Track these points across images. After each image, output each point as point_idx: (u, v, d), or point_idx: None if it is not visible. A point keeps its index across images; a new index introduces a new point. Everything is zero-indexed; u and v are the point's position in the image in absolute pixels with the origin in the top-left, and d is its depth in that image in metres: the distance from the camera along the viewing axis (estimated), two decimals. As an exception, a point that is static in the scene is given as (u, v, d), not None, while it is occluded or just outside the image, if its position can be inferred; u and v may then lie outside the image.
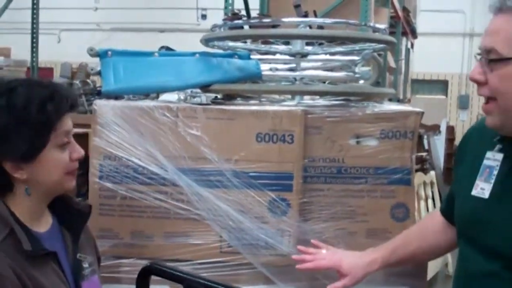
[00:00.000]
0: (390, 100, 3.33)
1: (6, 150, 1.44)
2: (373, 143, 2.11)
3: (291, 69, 2.32)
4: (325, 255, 1.83)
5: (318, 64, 2.40)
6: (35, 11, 6.57)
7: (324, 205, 2.10)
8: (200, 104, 2.09)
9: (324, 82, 2.38)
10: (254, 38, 2.44)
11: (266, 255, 2.05)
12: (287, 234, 2.05)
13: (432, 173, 6.26)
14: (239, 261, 2.06)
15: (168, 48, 2.52)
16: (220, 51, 2.38)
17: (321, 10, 4.74)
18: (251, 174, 2.04)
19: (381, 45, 2.38)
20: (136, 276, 1.80)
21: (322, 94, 2.32)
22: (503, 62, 1.39)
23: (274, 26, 2.59)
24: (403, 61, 8.35)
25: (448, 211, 1.75)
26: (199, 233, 2.06)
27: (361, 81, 2.44)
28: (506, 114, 1.42)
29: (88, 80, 4.42)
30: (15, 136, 1.43)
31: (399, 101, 7.22)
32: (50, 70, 11.72)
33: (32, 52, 6.55)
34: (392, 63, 6.94)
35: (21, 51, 7.60)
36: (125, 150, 2.04)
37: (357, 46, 2.38)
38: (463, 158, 1.66)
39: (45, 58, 8.84)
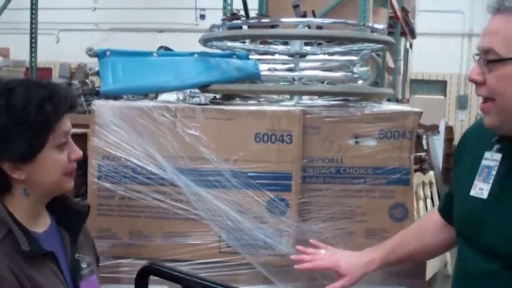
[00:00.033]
0: (388, 100, 3.34)
1: (4, 150, 1.44)
2: (372, 143, 2.11)
3: (289, 69, 2.32)
4: (323, 256, 1.84)
5: (317, 64, 2.40)
6: (34, 11, 6.57)
7: (323, 205, 2.10)
8: (199, 104, 2.09)
9: (323, 82, 2.38)
10: (253, 38, 2.44)
11: (265, 255, 2.05)
12: (286, 234, 2.05)
13: (431, 173, 6.27)
14: (238, 261, 2.06)
15: (166, 48, 2.51)
16: (219, 51, 2.38)
17: (320, 10, 4.74)
18: (249, 174, 2.04)
19: (380, 45, 2.38)
20: (134, 276, 1.80)
21: (320, 94, 2.32)
22: (501, 62, 1.40)
23: (272, 26, 2.59)
24: (401, 61, 8.35)
25: (446, 211, 1.75)
26: (197, 233, 2.06)
27: (360, 81, 2.44)
28: (504, 114, 1.42)
29: (86, 80, 4.42)
30: (13, 137, 1.43)
31: (397, 101, 7.22)
32: (49, 70, 11.72)
33: (31, 52, 6.55)
34: (390, 63, 6.94)
35: (20, 51, 7.60)
36: (123, 150, 2.04)
37: (355, 46, 2.38)
38: (461, 158, 1.67)
39: (43, 58, 8.84)
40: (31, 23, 6.55)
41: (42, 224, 1.56)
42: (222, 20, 3.62)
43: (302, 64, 2.33)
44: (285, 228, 2.05)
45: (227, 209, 2.03)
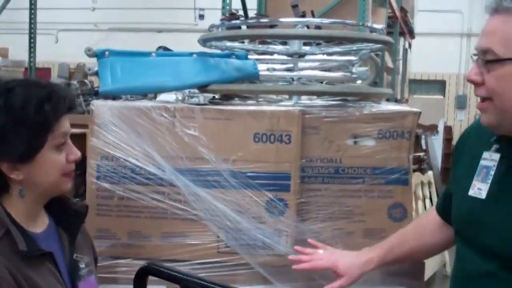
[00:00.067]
0: (387, 100, 3.34)
1: (3, 150, 1.43)
2: (371, 143, 2.11)
3: (288, 69, 2.32)
4: (322, 256, 1.84)
5: (316, 64, 2.40)
6: (32, 11, 6.57)
7: (322, 205, 2.10)
8: (198, 104, 2.09)
9: (322, 82, 2.38)
10: (252, 38, 2.44)
11: (264, 255, 2.05)
12: (285, 234, 2.05)
13: (430, 173, 6.28)
14: (236, 261, 2.05)
15: (165, 48, 2.51)
16: (218, 51, 2.38)
17: (319, 10, 4.75)
18: (248, 174, 2.04)
19: (379, 45, 2.38)
20: (133, 276, 1.80)
21: (319, 94, 2.32)
22: (499, 62, 1.40)
23: (271, 26, 2.59)
24: (400, 61, 8.35)
25: (444, 210, 1.75)
26: (196, 233, 2.06)
27: (359, 81, 2.44)
28: (502, 115, 1.42)
29: (85, 81, 4.42)
30: (12, 137, 1.43)
31: (396, 101, 7.22)
32: (47, 71, 11.73)
33: (30, 52, 6.56)
34: (389, 63, 6.94)
35: (19, 51, 7.60)
36: (122, 150, 2.04)
37: (354, 46, 2.38)
38: (460, 158, 1.67)
39: (42, 58, 8.85)
40: (30, 23, 6.55)
41: (40, 224, 1.55)
42: (221, 20, 3.62)
43: (301, 64, 2.33)
44: (284, 228, 2.05)
45: (225, 209, 2.03)
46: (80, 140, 2.02)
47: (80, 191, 2.27)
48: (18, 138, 1.43)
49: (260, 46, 2.48)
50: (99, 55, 2.11)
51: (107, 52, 2.11)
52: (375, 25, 2.44)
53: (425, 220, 1.87)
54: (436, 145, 7.31)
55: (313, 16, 4.17)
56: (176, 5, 13.49)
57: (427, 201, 5.80)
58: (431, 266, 5.38)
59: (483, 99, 1.46)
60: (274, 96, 2.37)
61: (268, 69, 2.29)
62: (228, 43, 2.40)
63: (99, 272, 1.79)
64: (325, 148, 2.09)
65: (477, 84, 1.46)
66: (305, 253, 1.86)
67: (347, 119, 2.08)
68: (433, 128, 7.10)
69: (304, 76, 2.31)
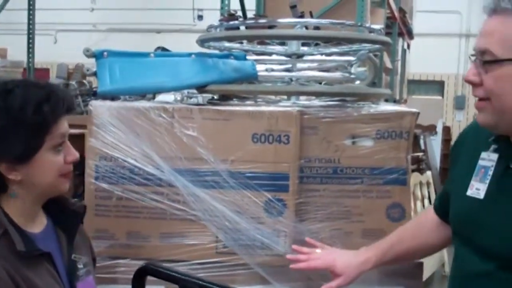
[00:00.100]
0: (386, 100, 3.34)
1: (1, 151, 1.44)
2: (369, 143, 2.11)
3: (287, 70, 2.32)
4: (319, 255, 1.84)
5: (314, 64, 2.40)
6: (31, 12, 6.58)
7: (320, 205, 2.10)
8: (196, 104, 2.09)
9: (320, 83, 2.38)
10: (250, 39, 2.44)
11: (262, 255, 2.05)
12: (283, 235, 2.06)
13: (429, 173, 6.28)
14: (235, 262, 2.05)
15: (164, 49, 2.52)
16: (217, 52, 2.38)
17: (317, 11, 4.75)
18: (247, 174, 2.04)
19: (377, 46, 2.38)
20: (132, 276, 1.80)
21: (318, 94, 2.32)
22: (498, 63, 1.40)
23: (270, 27, 2.59)
24: (399, 62, 8.36)
25: (441, 209, 1.75)
26: (195, 234, 2.06)
27: (357, 82, 2.44)
28: (500, 115, 1.42)
29: (84, 81, 4.43)
30: (10, 137, 1.43)
31: (395, 101, 7.22)
32: (46, 71, 11.71)
33: (29, 53, 6.57)
34: (388, 64, 6.94)
35: (17, 52, 7.60)
36: (121, 150, 2.04)
37: (353, 47, 2.39)
38: (458, 158, 1.67)
39: (41, 59, 8.84)
40: (29, 24, 6.56)
41: (38, 225, 1.55)
42: (220, 20, 3.62)
43: (299, 65, 2.34)
44: (282, 228, 2.05)
45: (224, 209, 2.03)
46: (78, 141, 2.02)
47: (79, 191, 2.28)
48: (16, 138, 1.44)
49: (258, 46, 2.48)
50: (97, 55, 2.11)
51: (105, 53, 2.11)
52: (373, 26, 2.44)
53: (422, 219, 1.88)
54: (434, 146, 7.30)
55: (311, 16, 4.18)
56: (175, 6, 13.48)
57: (426, 201, 5.80)
58: (429, 266, 5.38)
59: (481, 99, 1.46)
60: (272, 97, 2.37)
61: (266, 70, 2.29)
62: (227, 44, 2.40)
63: (98, 273, 1.80)
64: (324, 148, 2.09)
65: (475, 85, 1.46)
66: (303, 252, 1.87)
67: (345, 119, 2.09)
68: (431, 129, 7.10)
69: (302, 76, 2.32)
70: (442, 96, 13.37)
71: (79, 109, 3.67)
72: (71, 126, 1.57)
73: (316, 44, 2.37)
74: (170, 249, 2.07)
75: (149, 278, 1.79)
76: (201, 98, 2.14)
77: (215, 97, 2.26)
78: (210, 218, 2.04)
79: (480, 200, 1.50)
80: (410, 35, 9.30)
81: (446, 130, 10.20)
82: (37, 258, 1.46)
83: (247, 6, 6.06)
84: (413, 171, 5.38)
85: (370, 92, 2.40)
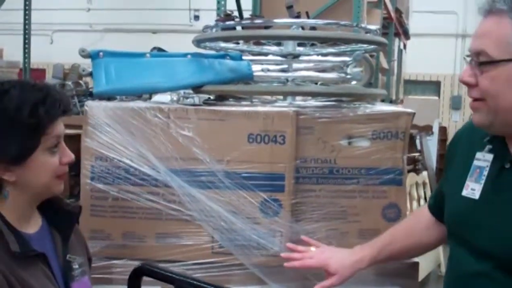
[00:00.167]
0: (382, 101, 3.34)
1: (-4, 151, 1.44)
2: (365, 143, 2.11)
3: (283, 70, 2.32)
4: (313, 254, 1.84)
5: (310, 65, 2.40)
6: (27, 12, 6.56)
7: (316, 205, 2.10)
8: (192, 105, 2.09)
9: (316, 83, 2.38)
10: (246, 39, 2.44)
11: (258, 255, 2.05)
12: (279, 235, 2.06)
13: (425, 173, 6.29)
14: (231, 262, 2.05)
15: (160, 49, 2.51)
16: (213, 52, 2.38)
17: (314, 11, 4.75)
18: (243, 174, 2.04)
19: (373, 46, 2.39)
20: (127, 277, 1.80)
21: (314, 95, 2.32)
22: (493, 64, 1.40)
23: (266, 27, 2.59)
24: (395, 62, 8.37)
25: (435, 208, 1.76)
26: (191, 234, 2.06)
27: (353, 82, 2.44)
28: (495, 115, 1.43)
29: (80, 81, 4.42)
30: (5, 138, 1.43)
31: (391, 102, 7.24)
32: (42, 71, 11.72)
33: (25, 53, 6.55)
34: (384, 64, 6.96)
35: (13, 52, 7.59)
36: (116, 151, 2.04)
37: (349, 47, 2.39)
38: (453, 159, 1.67)
39: (37, 59, 8.81)
40: (25, 24, 6.54)
41: (33, 225, 1.55)
42: (216, 21, 3.61)
43: (295, 65, 2.33)
44: (278, 228, 2.05)
45: (220, 209, 2.03)
46: (74, 141, 2.02)
47: (75, 191, 2.27)
48: (11, 139, 1.43)
49: (254, 47, 2.48)
50: (93, 56, 2.10)
51: (101, 53, 2.11)
52: (369, 26, 2.44)
53: (416, 218, 1.88)
54: (431, 146, 7.32)
55: (308, 17, 4.18)
56: (171, 6, 13.48)
57: (422, 202, 5.80)
58: (425, 266, 5.39)
59: (476, 99, 1.46)
60: (268, 97, 2.37)
61: (262, 70, 2.29)
62: (223, 44, 2.40)
63: (93, 273, 1.79)
64: (320, 148, 2.09)
65: (470, 86, 1.46)
66: (298, 250, 1.87)
67: (341, 119, 2.09)
68: (428, 129, 7.11)
69: (298, 77, 2.32)
70: (439, 96, 13.39)
71: (75, 109, 3.66)
72: (67, 126, 1.56)
73: (312, 45, 2.37)
74: (166, 250, 2.07)
75: (145, 278, 1.79)
76: (197, 98, 2.14)
77: (211, 97, 2.26)
78: (206, 219, 2.04)
79: (475, 201, 1.51)
80: (407, 35, 9.32)
81: (442, 130, 10.21)
82: (32, 259, 1.46)
83: (243, 7, 6.05)
84: (409, 171, 5.39)
85: (366, 93, 2.40)
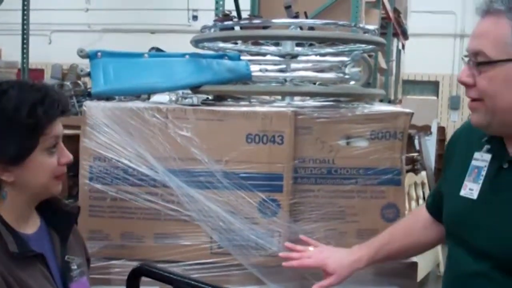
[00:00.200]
0: (381, 101, 3.34)
1: (-6, 152, 1.44)
2: (363, 143, 2.11)
3: (281, 70, 2.32)
4: (311, 254, 1.85)
5: (308, 65, 2.40)
6: (25, 12, 6.56)
7: (315, 205, 2.10)
8: (190, 105, 2.09)
9: (314, 83, 2.38)
10: (244, 39, 2.44)
11: (257, 255, 2.05)
12: (278, 235, 2.06)
13: (423, 173, 6.29)
14: (229, 262, 2.05)
15: (158, 49, 2.51)
16: (211, 52, 2.38)
17: (312, 11, 4.75)
18: (241, 175, 2.04)
19: (372, 46, 2.39)
20: (126, 277, 1.80)
21: (312, 95, 2.32)
22: (491, 64, 1.40)
23: (264, 27, 2.59)
24: (394, 62, 8.37)
25: (433, 208, 1.76)
26: (189, 234, 2.06)
27: (352, 82, 2.44)
28: (493, 115, 1.43)
29: (79, 82, 4.42)
30: (4, 138, 1.43)
31: (390, 102, 7.24)
32: (41, 72, 11.71)
33: (23, 53, 6.55)
34: (383, 64, 6.96)
35: (12, 52, 7.58)
36: (115, 151, 2.04)
37: (347, 47, 2.39)
38: (451, 159, 1.68)
39: (36, 59, 8.82)
40: (23, 24, 6.54)
41: (31, 226, 1.55)
42: (214, 21, 3.62)
43: (293, 65, 2.33)
44: (277, 228, 2.05)
45: (218, 210, 2.03)
46: (73, 141, 2.02)
47: (73, 192, 2.27)
48: (10, 140, 1.43)
49: (253, 47, 2.48)
50: (91, 56, 2.10)
51: (99, 53, 2.10)
52: (368, 26, 2.44)
53: (414, 218, 1.88)
54: (429, 146, 7.32)
55: (306, 17, 4.18)
56: (170, 6, 13.48)
57: (421, 202, 5.80)
58: (424, 266, 5.39)
59: (474, 99, 1.46)
60: (266, 97, 2.37)
61: (260, 70, 2.29)
62: (221, 44, 2.40)
63: (92, 273, 1.79)
64: (318, 148, 2.09)
65: (468, 86, 1.47)
66: (296, 250, 1.87)
67: (339, 119, 2.09)
68: (426, 129, 7.10)
69: (296, 77, 2.32)
70: (437, 96, 13.39)
71: (74, 109, 3.65)
72: (65, 127, 1.56)
73: (311, 45, 2.37)
74: (165, 250, 2.06)
75: (144, 279, 1.79)
76: (196, 98, 2.14)
77: (210, 97, 2.26)
78: (204, 219, 2.04)
79: (474, 201, 1.51)
80: (405, 35, 9.32)
81: (441, 130, 10.23)
82: (30, 259, 1.46)
83: (241, 7, 6.06)
84: (408, 171, 5.39)
85: (365, 93, 2.40)
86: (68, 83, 4.26)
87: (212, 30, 2.40)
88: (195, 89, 2.14)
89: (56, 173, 1.51)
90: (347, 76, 2.39)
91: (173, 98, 2.20)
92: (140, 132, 2.04)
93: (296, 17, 3.72)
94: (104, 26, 13.80)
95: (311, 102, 2.29)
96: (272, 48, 2.41)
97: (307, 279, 2.00)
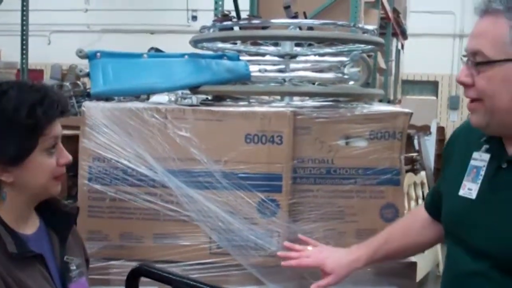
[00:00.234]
0: (380, 101, 3.34)
1: (-7, 152, 1.44)
2: (362, 143, 2.11)
3: (280, 70, 2.33)
4: (309, 253, 1.85)
5: (307, 65, 2.40)
6: (25, 12, 6.56)
7: (314, 205, 2.11)
8: (189, 105, 2.09)
9: (314, 83, 2.38)
10: (243, 40, 2.44)
11: (256, 256, 2.05)
12: (277, 235, 2.06)
13: (423, 173, 6.29)
14: (228, 262, 2.05)
15: (157, 50, 2.51)
16: (210, 53, 2.38)
17: (311, 11, 4.75)
18: (240, 175, 2.04)
19: (371, 46, 2.39)
20: (125, 278, 1.80)
21: (311, 95, 2.32)
22: (489, 64, 1.40)
23: (263, 28, 2.59)
24: (393, 62, 8.36)
25: (432, 208, 1.76)
26: (188, 235, 2.06)
27: (351, 82, 2.44)
28: (492, 116, 1.43)
29: (78, 82, 4.42)
30: (3, 139, 1.43)
31: (389, 102, 7.24)
32: (40, 72, 11.70)
33: (22, 54, 6.55)
34: (382, 64, 6.96)
35: (11, 53, 7.58)
36: (114, 151, 2.04)
37: (346, 47, 2.39)
38: (450, 158, 1.68)
39: (35, 60, 8.81)
40: (22, 25, 6.55)
41: (31, 226, 1.55)
42: (213, 21, 3.62)
43: (292, 65, 2.34)
44: (276, 228, 2.05)
45: (217, 210, 2.03)
46: (72, 142, 2.02)
47: (72, 192, 2.27)
48: (9, 140, 1.43)
49: (252, 47, 2.48)
50: (90, 56, 2.10)
51: (98, 54, 2.11)
52: (367, 26, 2.45)
53: (413, 217, 1.89)
54: (429, 146, 7.32)
55: (305, 17, 4.18)
56: (169, 7, 13.47)
57: (420, 202, 5.80)
58: (424, 266, 5.39)
59: (473, 100, 1.46)
60: (265, 97, 2.37)
61: (259, 70, 2.29)
62: (220, 44, 2.40)
63: (91, 274, 1.79)
64: (317, 149, 2.09)
65: (467, 86, 1.47)
66: (294, 249, 1.87)
67: (338, 119, 2.09)
68: (426, 129, 7.10)
69: (295, 77, 2.32)
70: (436, 96, 13.39)
71: (73, 110, 3.66)
72: (65, 127, 1.56)
73: (310, 45, 2.38)
74: (164, 250, 2.06)
75: (143, 279, 1.79)
76: (195, 99, 2.14)
77: (209, 97, 2.26)
78: (203, 219, 2.04)
79: (472, 200, 1.51)
80: (404, 35, 9.32)
81: (440, 130, 10.23)
82: (29, 260, 1.46)
83: (241, 7, 6.05)
84: (407, 171, 5.39)
85: (364, 93, 2.40)
86: (67, 83, 4.27)
87: (211, 30, 2.40)
88: (194, 89, 2.14)
89: (55, 174, 1.51)
90: (346, 76, 2.39)
91: (172, 99, 2.20)
92: (139, 133, 2.04)
93: (295, 17, 3.71)
94: (103, 26, 13.80)
95: (310, 102, 2.29)
96: (271, 48, 2.42)
97: (305, 278, 2.01)
